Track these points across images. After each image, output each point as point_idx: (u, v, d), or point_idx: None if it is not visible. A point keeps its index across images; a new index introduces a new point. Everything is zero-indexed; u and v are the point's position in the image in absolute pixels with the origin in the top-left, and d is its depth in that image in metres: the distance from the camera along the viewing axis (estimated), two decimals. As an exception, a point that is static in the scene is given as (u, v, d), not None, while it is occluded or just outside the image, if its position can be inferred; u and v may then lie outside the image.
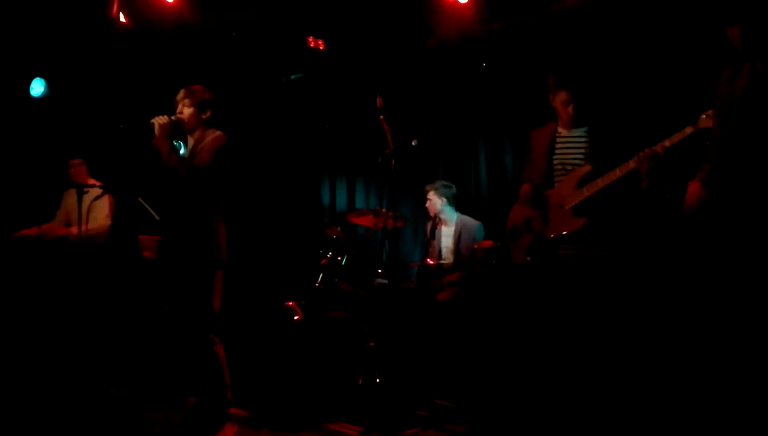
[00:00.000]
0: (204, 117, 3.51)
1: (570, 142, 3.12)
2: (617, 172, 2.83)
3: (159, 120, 3.38)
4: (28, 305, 4.10)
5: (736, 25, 2.19)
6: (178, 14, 5.33)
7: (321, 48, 5.60)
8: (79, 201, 3.99)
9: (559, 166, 3.11)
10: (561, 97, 3.10)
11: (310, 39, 5.70)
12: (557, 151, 3.13)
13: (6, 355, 3.92)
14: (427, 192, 4.93)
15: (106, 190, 4.45)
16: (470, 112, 5.54)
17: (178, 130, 3.48)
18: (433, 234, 4.77)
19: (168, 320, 3.61)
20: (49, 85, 5.56)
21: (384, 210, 4.17)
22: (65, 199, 4.86)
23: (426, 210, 4.96)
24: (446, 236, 4.97)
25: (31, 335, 4.06)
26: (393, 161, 3.77)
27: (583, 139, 3.07)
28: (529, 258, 3.14)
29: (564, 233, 2.98)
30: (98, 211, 4.49)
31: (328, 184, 6.80)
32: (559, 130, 3.17)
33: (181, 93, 3.51)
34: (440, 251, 4.98)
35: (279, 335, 4.56)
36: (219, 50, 5.97)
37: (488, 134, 5.48)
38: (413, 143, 3.82)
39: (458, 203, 5.01)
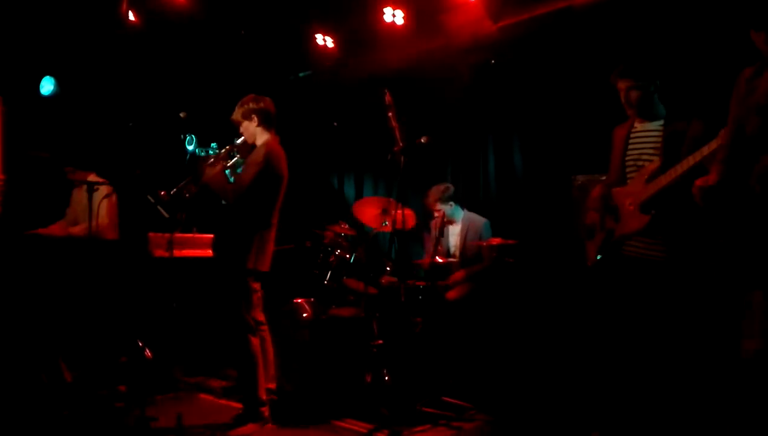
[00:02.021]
0: (255, 124, 3.69)
1: (643, 137, 3.02)
2: (678, 169, 2.72)
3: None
4: (38, 301, 4.12)
5: (761, 30, 2.16)
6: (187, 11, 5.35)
7: (331, 47, 5.60)
8: (90, 199, 4.01)
9: (631, 163, 3.01)
10: (620, 86, 2.99)
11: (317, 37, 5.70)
12: (630, 147, 3.04)
13: (13, 351, 3.94)
14: (432, 204, 4.81)
15: (114, 187, 4.47)
16: (479, 110, 5.52)
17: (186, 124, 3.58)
18: (442, 232, 4.76)
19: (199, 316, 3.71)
20: (59, 83, 5.59)
21: (392, 204, 4.17)
22: (73, 196, 4.88)
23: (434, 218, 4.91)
24: (453, 235, 4.96)
25: (39, 331, 4.08)
26: (402, 159, 3.77)
27: (656, 133, 2.96)
28: (599, 257, 3.08)
29: (629, 231, 2.93)
30: (101, 208, 4.52)
31: (336, 181, 6.81)
32: (635, 124, 3.07)
33: (235, 112, 3.72)
34: (448, 248, 4.97)
35: (288, 332, 4.56)
36: (227, 48, 5.98)
37: (497, 132, 5.46)
38: (422, 141, 3.79)
39: (467, 201, 4.99)
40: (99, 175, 4.65)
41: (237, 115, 3.69)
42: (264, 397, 3.54)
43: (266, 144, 3.63)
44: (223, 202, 3.62)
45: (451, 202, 4.84)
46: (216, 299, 3.63)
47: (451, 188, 4.88)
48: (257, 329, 3.60)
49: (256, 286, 3.61)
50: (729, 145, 2.34)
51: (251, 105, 3.67)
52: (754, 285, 2.23)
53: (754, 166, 2.19)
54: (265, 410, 3.52)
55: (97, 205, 4.13)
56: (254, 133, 3.69)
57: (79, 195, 4.72)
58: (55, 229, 4.76)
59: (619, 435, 2.97)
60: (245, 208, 3.54)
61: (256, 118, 3.67)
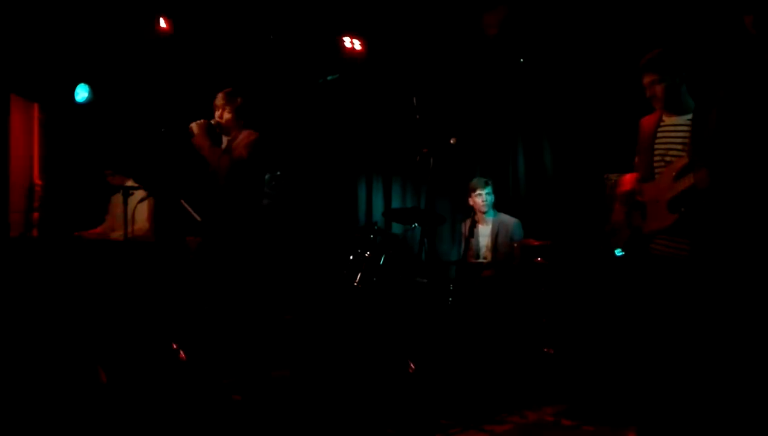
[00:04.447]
0: (242, 122, 3.74)
1: (671, 130, 2.93)
2: None
3: (197, 122, 3.63)
4: (76, 302, 4.20)
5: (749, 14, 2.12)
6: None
7: (359, 49, 5.61)
8: (125, 203, 4.08)
9: (659, 157, 2.93)
10: (644, 81, 2.92)
11: (345, 39, 5.73)
12: (658, 141, 2.96)
13: (51, 352, 4.02)
14: (483, 186, 4.82)
15: (149, 192, 4.55)
16: (508, 110, 5.48)
17: (213, 132, 3.66)
18: (472, 232, 4.74)
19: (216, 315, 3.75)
20: (93, 90, 5.70)
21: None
22: (112, 202, 4.97)
23: (472, 208, 4.89)
24: (484, 236, 4.93)
25: (76, 332, 4.16)
26: (431, 160, 3.76)
27: (685, 128, 2.85)
28: (618, 252, 3.05)
29: (656, 229, 2.86)
30: (139, 213, 4.59)
31: (365, 183, 6.81)
32: (663, 118, 2.99)
33: (222, 99, 3.69)
34: (478, 249, 4.95)
35: (319, 334, 4.59)
36: (257, 52, 6.04)
37: (526, 132, 5.41)
38: (451, 142, 3.78)
39: (497, 201, 4.96)
40: (135, 181, 4.74)
41: (230, 106, 3.71)
42: None
43: (251, 131, 3.69)
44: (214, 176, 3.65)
45: (493, 197, 4.85)
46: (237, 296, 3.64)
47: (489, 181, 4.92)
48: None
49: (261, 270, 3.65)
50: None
51: (244, 104, 3.74)
52: None
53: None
54: None
55: (132, 209, 4.20)
56: (232, 127, 3.73)
57: (118, 201, 4.81)
58: (94, 234, 4.86)
59: (655, 431, 2.93)
60: (245, 185, 3.60)
61: (243, 118, 3.75)
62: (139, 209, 4.48)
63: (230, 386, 4.43)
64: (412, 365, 4.01)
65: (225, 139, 3.74)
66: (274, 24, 5.75)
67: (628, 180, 3.11)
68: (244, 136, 3.66)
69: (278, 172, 4.22)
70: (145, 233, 4.65)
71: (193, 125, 3.64)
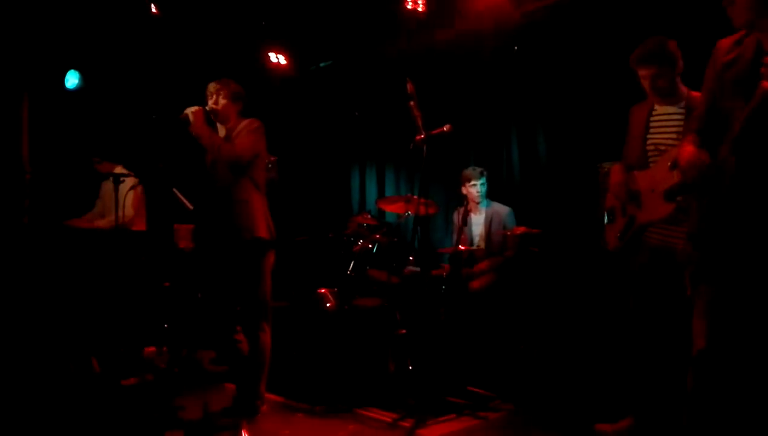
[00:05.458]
0: (237, 108, 3.62)
1: (664, 119, 2.93)
2: None
3: (192, 109, 3.44)
4: (66, 291, 4.18)
5: None
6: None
7: None
8: (116, 190, 4.05)
9: (652, 147, 2.93)
10: (642, 73, 2.92)
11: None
12: (651, 130, 2.95)
13: (42, 341, 4.01)
14: (478, 176, 4.78)
15: (140, 180, 4.52)
16: (502, 98, 5.46)
17: (210, 120, 3.56)
18: (465, 221, 4.73)
19: (216, 307, 3.67)
20: (84, 77, 5.64)
21: (415, 196, 4.15)
22: (102, 189, 4.94)
23: (465, 197, 4.87)
24: (477, 224, 4.93)
25: (67, 321, 4.15)
26: (425, 147, 3.73)
27: (679, 116, 2.87)
28: (620, 243, 3.03)
29: (652, 219, 2.84)
30: (128, 200, 4.56)
31: (358, 171, 6.80)
32: (655, 106, 2.98)
33: (215, 85, 3.60)
34: (471, 238, 4.94)
35: (312, 321, 4.59)
36: (249, 39, 5.99)
37: (521, 120, 5.39)
38: (445, 129, 3.75)
39: (490, 190, 4.95)
40: (125, 167, 4.70)
41: (225, 92, 3.57)
42: (264, 391, 3.55)
43: (253, 119, 3.57)
44: (214, 163, 3.54)
45: (486, 186, 4.83)
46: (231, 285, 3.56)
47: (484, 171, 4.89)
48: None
49: (270, 261, 3.56)
50: (701, 120, 2.24)
51: (238, 90, 3.62)
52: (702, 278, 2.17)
53: (719, 146, 2.10)
54: (260, 404, 3.51)
55: (123, 197, 4.16)
56: (229, 115, 3.60)
57: (108, 187, 4.78)
58: (82, 221, 4.83)
59: (652, 420, 2.94)
60: (246, 174, 3.48)
61: (240, 105, 3.63)
62: (128, 197, 4.46)
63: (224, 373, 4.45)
64: (409, 360, 4.02)
65: (222, 128, 3.61)
66: (265, 10, 5.70)
67: (618, 169, 3.10)
68: (246, 124, 3.52)
69: (274, 158, 4.09)
70: (131, 220, 4.63)
71: (189, 113, 3.45)
